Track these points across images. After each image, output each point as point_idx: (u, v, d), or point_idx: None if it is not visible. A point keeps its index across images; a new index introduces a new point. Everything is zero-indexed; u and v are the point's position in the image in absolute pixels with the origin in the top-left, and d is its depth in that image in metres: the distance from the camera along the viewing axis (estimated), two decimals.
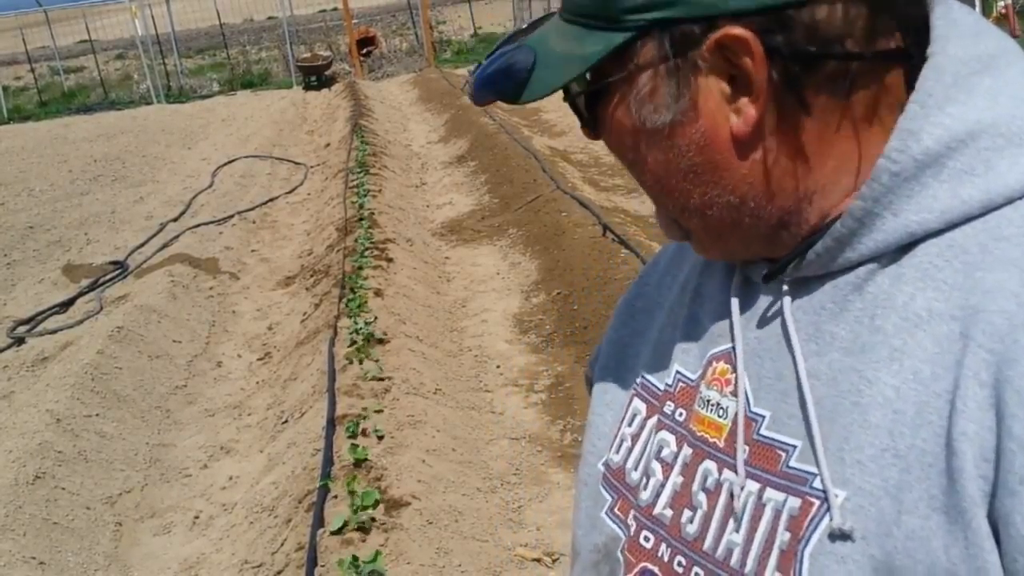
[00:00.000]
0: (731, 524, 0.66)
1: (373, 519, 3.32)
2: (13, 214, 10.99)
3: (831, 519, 0.60)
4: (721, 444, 0.69)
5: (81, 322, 6.46)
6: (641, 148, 0.67)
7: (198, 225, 8.61)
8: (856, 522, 0.59)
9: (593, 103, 0.69)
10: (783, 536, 0.62)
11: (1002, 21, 12.34)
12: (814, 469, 0.62)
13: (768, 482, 0.65)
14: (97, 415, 4.77)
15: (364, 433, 3.96)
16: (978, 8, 11.96)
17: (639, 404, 0.80)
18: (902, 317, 0.60)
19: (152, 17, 24.01)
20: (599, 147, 10.27)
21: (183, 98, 21.82)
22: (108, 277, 7.51)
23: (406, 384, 4.48)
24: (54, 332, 6.41)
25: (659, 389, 0.78)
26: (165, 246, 8.02)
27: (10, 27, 28.47)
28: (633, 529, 0.76)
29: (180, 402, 5.25)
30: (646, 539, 0.74)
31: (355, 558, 3.06)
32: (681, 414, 0.74)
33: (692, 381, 0.74)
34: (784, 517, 0.63)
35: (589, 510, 0.82)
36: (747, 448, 0.67)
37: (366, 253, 6.40)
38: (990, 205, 0.59)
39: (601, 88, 0.67)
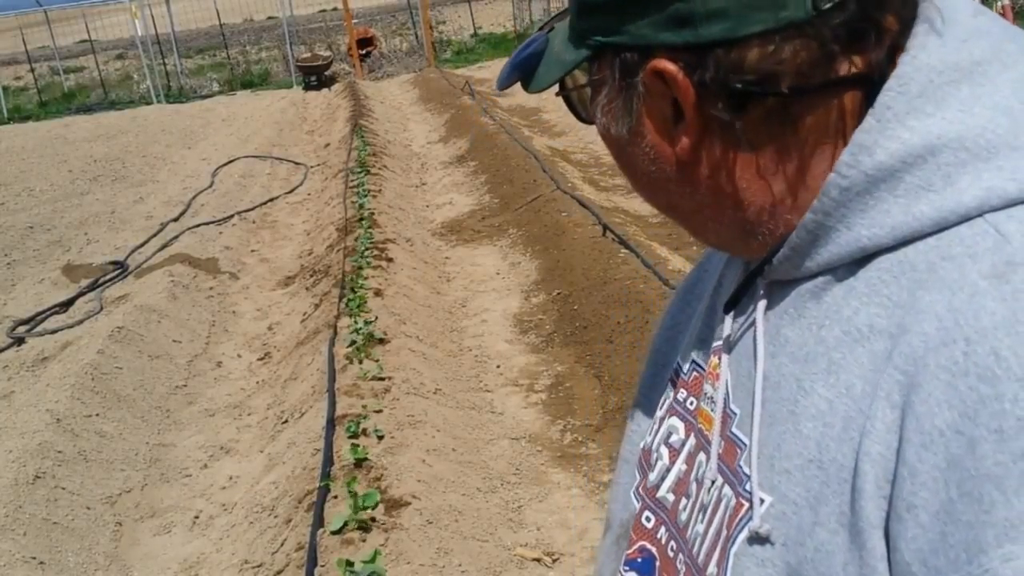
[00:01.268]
0: (700, 515, 0.70)
1: (373, 519, 3.32)
2: (13, 214, 10.99)
3: (751, 522, 0.62)
4: (711, 437, 0.71)
5: (81, 322, 6.46)
6: (613, 148, 0.73)
7: (198, 225, 8.61)
8: (777, 528, 0.60)
9: (581, 100, 0.76)
10: (723, 532, 0.65)
11: None
12: (749, 471, 0.64)
13: (727, 478, 0.67)
14: (97, 415, 4.77)
15: (364, 433, 3.96)
16: None
17: (671, 389, 0.83)
18: (844, 331, 0.60)
19: (152, 17, 24.01)
20: (599, 147, 10.27)
21: (183, 98, 21.82)
22: (108, 277, 7.51)
23: (406, 384, 4.48)
24: (54, 332, 6.41)
25: (680, 375, 0.81)
26: (165, 246, 8.02)
27: (10, 27, 28.50)
28: (638, 507, 0.79)
29: (180, 402, 5.25)
30: (647, 519, 0.78)
31: (352, 560, 3.07)
32: (692, 403, 0.77)
33: (704, 372, 0.76)
34: (728, 513, 0.66)
35: (625, 487, 0.85)
36: (722, 443, 0.69)
37: (366, 253, 6.40)
38: (943, 223, 0.58)
39: (581, 90, 0.74)
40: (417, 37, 23.71)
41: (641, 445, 0.85)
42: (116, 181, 12.42)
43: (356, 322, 5.12)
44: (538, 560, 3.37)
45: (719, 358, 0.72)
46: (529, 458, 4.09)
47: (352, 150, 10.39)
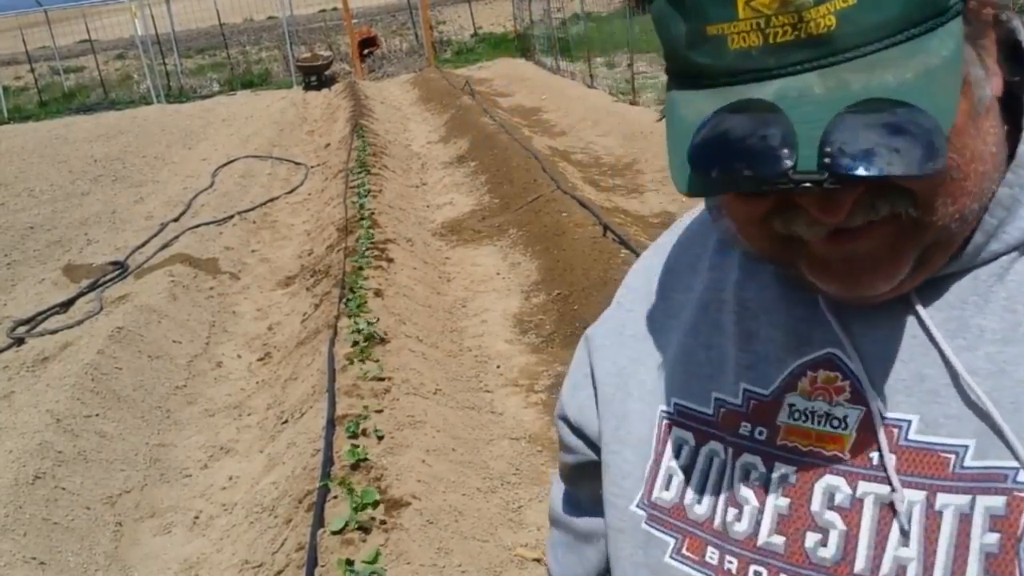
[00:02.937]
0: (895, 539, 0.62)
1: (373, 519, 3.32)
2: (13, 214, 10.99)
3: None
4: (846, 456, 0.65)
5: (81, 322, 6.46)
6: (961, 142, 0.59)
7: (198, 225, 8.62)
8: None
9: None
10: (986, 539, 0.59)
11: None
12: (1007, 463, 0.59)
13: (939, 488, 0.61)
14: (97, 415, 4.77)
15: (364, 433, 3.96)
16: None
17: (683, 433, 0.75)
18: None
19: (152, 17, 24.01)
20: (599, 147, 10.27)
21: (183, 98, 21.83)
22: (108, 277, 7.51)
23: (406, 384, 4.48)
24: (54, 332, 6.40)
25: (709, 414, 0.74)
26: (165, 246, 8.02)
27: (10, 27, 28.46)
28: (735, 567, 0.70)
29: (180, 402, 5.25)
30: (757, 574, 0.68)
31: (352, 560, 3.07)
32: (761, 432, 0.70)
33: (766, 397, 0.71)
34: (979, 520, 0.59)
35: (636, 557, 0.76)
36: (894, 456, 0.63)
37: (366, 253, 6.41)
38: None
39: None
40: (417, 37, 23.71)
41: (637, 507, 0.76)
42: (116, 181, 12.42)
43: (356, 322, 5.12)
44: (538, 560, 3.37)
45: (835, 371, 0.67)
46: (529, 458, 4.09)
47: (352, 150, 10.39)
